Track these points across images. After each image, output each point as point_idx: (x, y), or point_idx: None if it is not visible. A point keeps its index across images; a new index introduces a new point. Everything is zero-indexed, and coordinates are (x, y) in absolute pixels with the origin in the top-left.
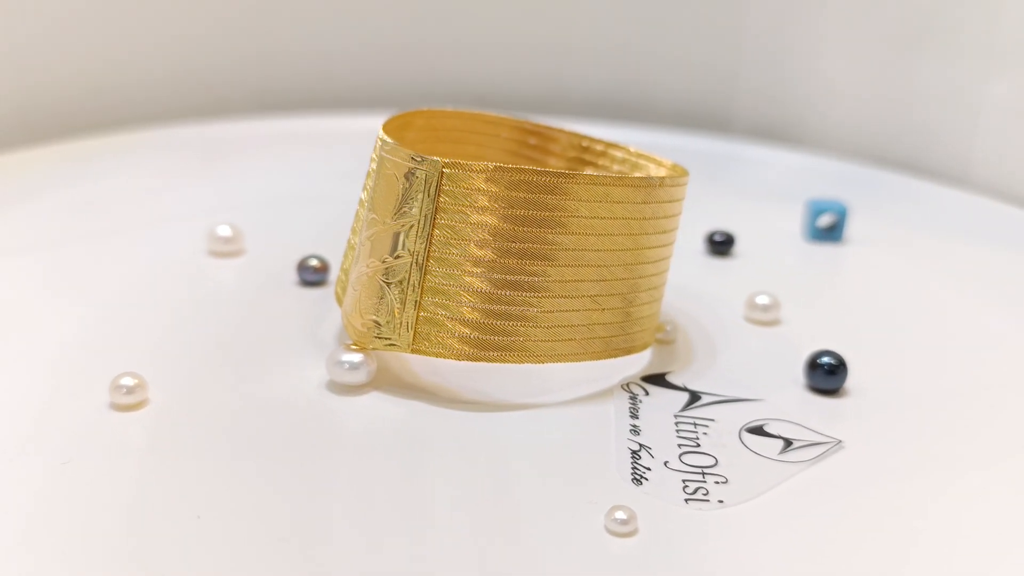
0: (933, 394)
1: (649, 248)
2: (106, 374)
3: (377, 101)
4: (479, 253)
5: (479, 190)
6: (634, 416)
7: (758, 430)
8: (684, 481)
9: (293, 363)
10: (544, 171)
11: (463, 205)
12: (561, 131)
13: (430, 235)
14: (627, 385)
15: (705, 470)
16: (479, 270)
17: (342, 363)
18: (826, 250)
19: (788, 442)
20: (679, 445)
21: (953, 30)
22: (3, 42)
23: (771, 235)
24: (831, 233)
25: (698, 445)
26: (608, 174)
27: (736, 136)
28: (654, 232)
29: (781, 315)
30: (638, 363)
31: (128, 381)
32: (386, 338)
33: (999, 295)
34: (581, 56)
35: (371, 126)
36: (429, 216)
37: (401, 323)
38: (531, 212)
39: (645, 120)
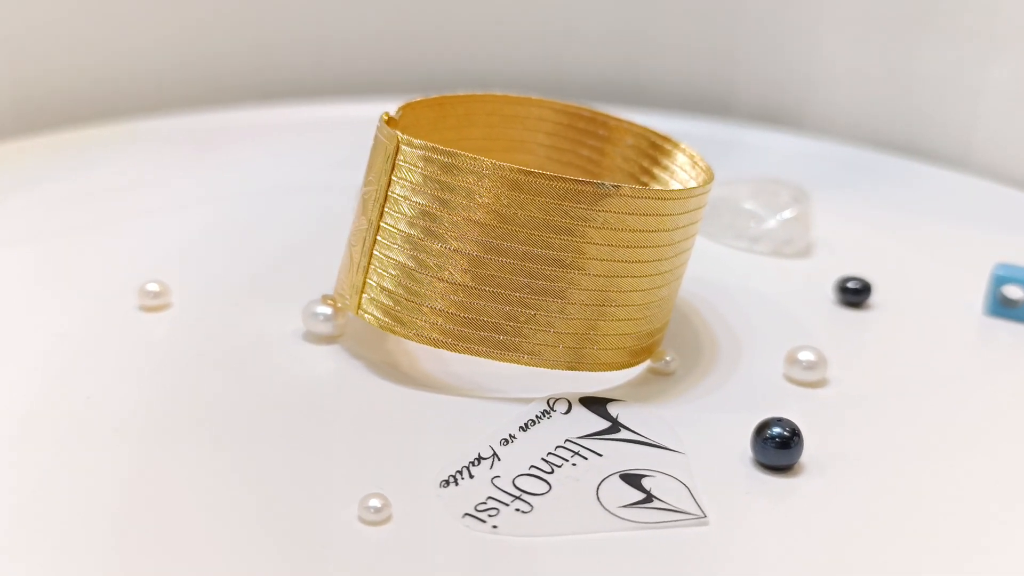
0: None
1: (600, 260)
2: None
3: (376, 87)
4: (427, 230)
5: (427, 169)
6: (524, 428)
7: (631, 478)
8: (489, 497)
9: (289, 308)
10: (487, 161)
11: (412, 181)
12: (648, 131)
13: (382, 206)
14: (552, 400)
15: (523, 495)
16: (430, 247)
17: (315, 314)
18: (996, 326)
19: (648, 499)
20: (531, 467)
21: (954, 12)
22: None
23: (937, 300)
24: (1017, 310)
25: (551, 472)
26: (551, 173)
27: (736, 120)
28: (607, 244)
29: (827, 376)
30: (604, 383)
31: (154, 286)
32: (346, 297)
33: None
34: (580, 39)
35: (371, 113)
36: (383, 187)
37: (352, 284)
38: (472, 201)
39: (644, 103)
